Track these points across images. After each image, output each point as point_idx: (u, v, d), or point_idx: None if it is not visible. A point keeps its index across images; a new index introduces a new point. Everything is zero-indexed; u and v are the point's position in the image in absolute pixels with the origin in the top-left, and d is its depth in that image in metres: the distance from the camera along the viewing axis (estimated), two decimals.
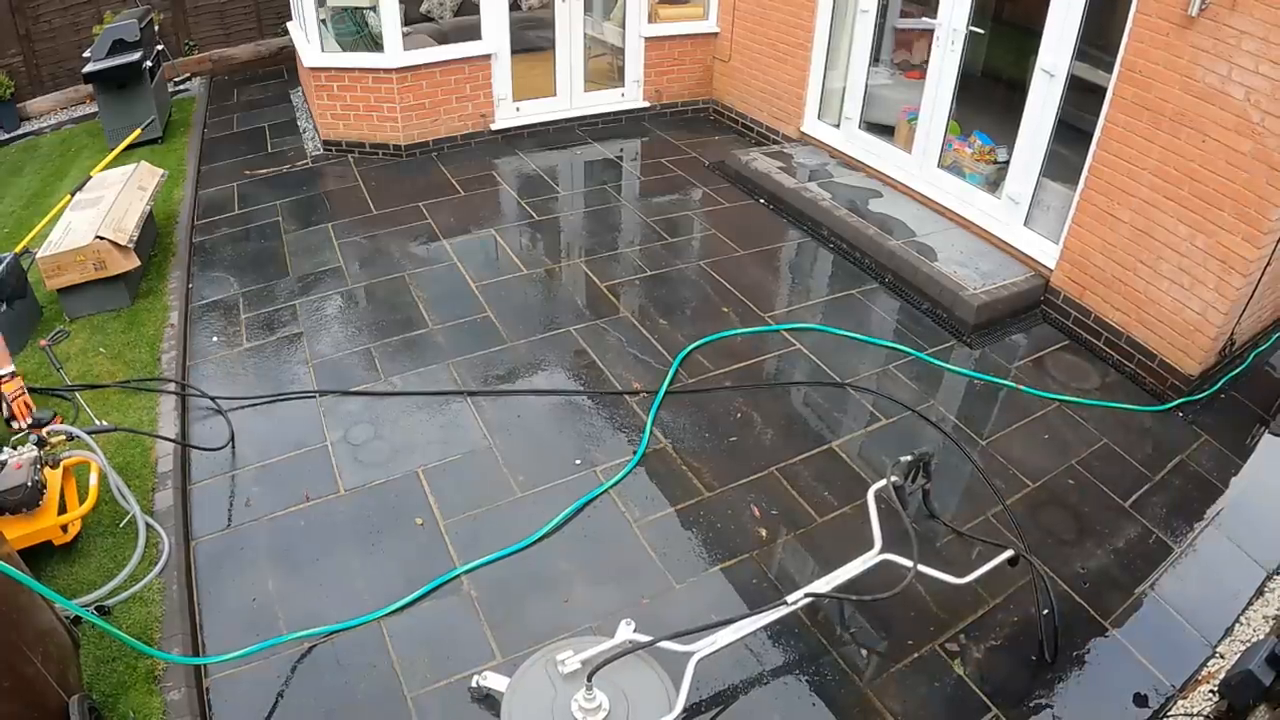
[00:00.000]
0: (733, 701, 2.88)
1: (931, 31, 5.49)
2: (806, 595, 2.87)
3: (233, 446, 3.90)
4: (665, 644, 2.62)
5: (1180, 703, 2.92)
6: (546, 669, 2.65)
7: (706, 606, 3.18)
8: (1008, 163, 5.21)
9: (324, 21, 7.04)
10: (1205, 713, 2.86)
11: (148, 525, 3.22)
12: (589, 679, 2.45)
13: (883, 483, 3.17)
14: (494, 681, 2.80)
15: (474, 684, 2.84)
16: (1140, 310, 4.43)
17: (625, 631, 2.77)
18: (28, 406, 3.45)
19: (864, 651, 3.06)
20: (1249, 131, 3.75)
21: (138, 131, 6.96)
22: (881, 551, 3.00)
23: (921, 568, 2.87)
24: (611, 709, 2.54)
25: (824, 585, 2.93)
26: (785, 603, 2.82)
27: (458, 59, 6.88)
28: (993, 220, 5.32)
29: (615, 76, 7.85)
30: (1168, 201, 4.15)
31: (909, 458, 3.13)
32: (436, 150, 7.10)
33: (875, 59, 6.32)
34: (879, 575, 3.00)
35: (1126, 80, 4.21)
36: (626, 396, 4.26)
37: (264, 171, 6.82)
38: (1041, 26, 4.68)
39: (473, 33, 6.95)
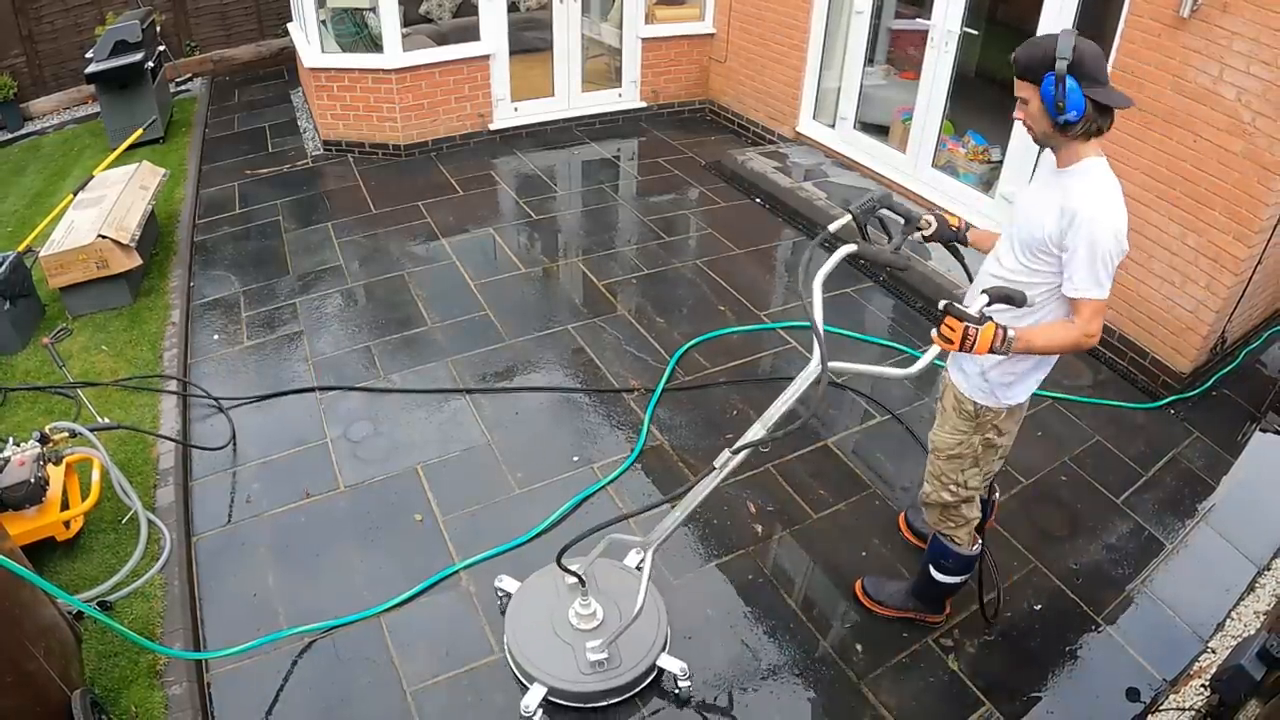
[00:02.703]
0: (728, 697, 2.91)
1: (925, 32, 5.53)
2: (738, 450, 2.43)
3: (234, 445, 3.93)
4: (627, 536, 2.99)
5: (1172, 697, 2.94)
6: (555, 579, 2.93)
7: (703, 601, 3.22)
8: (1001, 162, 5.24)
9: (324, 22, 7.07)
10: (1197, 707, 2.88)
11: (149, 521, 3.24)
12: (559, 560, 2.63)
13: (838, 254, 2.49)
14: (508, 584, 3.08)
15: (496, 585, 3.10)
16: (1132, 308, 4.46)
17: (633, 559, 3.12)
18: None
19: (859, 647, 3.08)
20: (1240, 131, 3.78)
21: (139, 131, 7.00)
22: (822, 366, 2.31)
23: (863, 368, 2.48)
24: (605, 618, 2.88)
25: (759, 429, 2.51)
26: (714, 468, 2.49)
27: (456, 60, 6.91)
28: (986, 220, 5.35)
29: (612, 77, 7.88)
30: (1160, 201, 4.18)
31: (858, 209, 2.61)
32: (435, 150, 7.13)
33: (870, 59, 6.35)
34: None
35: (1118, 80, 4.24)
36: (624, 394, 4.29)
37: (264, 171, 6.85)
38: (1034, 28, 4.71)
39: (471, 33, 6.98)
